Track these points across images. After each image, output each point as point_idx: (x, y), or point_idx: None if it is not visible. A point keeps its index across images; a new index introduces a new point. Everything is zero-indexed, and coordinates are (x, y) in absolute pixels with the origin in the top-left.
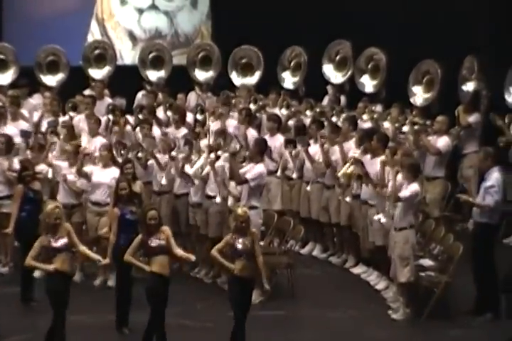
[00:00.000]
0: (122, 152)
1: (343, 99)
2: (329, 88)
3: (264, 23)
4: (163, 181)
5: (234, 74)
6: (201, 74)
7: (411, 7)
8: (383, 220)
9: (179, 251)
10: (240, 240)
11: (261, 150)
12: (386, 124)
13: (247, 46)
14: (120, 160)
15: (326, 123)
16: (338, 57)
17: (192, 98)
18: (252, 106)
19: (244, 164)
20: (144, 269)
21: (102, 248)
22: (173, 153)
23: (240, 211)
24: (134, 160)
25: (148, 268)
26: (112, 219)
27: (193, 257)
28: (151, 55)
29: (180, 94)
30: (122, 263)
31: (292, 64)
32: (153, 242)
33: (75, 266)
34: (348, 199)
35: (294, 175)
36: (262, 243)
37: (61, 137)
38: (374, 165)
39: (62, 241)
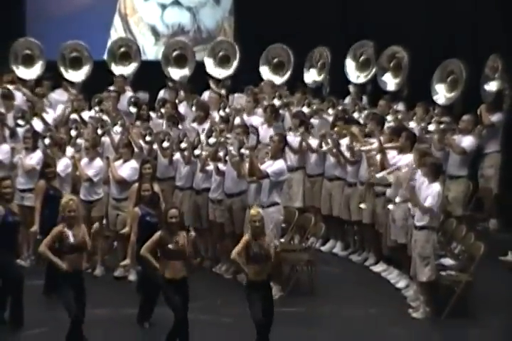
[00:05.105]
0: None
1: (364, 98)
2: (351, 87)
3: (287, 20)
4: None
5: (266, 70)
6: (219, 72)
7: (435, 6)
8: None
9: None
10: (256, 244)
11: (282, 146)
12: (412, 124)
13: (280, 45)
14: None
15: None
16: (361, 58)
17: (207, 94)
18: (276, 102)
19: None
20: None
21: (122, 246)
22: (197, 151)
23: (253, 211)
24: (159, 150)
25: (159, 268)
26: (132, 219)
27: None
28: (174, 53)
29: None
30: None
31: (319, 64)
32: (171, 245)
33: (94, 260)
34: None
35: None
36: (282, 240)
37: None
38: (399, 162)
39: (77, 240)
